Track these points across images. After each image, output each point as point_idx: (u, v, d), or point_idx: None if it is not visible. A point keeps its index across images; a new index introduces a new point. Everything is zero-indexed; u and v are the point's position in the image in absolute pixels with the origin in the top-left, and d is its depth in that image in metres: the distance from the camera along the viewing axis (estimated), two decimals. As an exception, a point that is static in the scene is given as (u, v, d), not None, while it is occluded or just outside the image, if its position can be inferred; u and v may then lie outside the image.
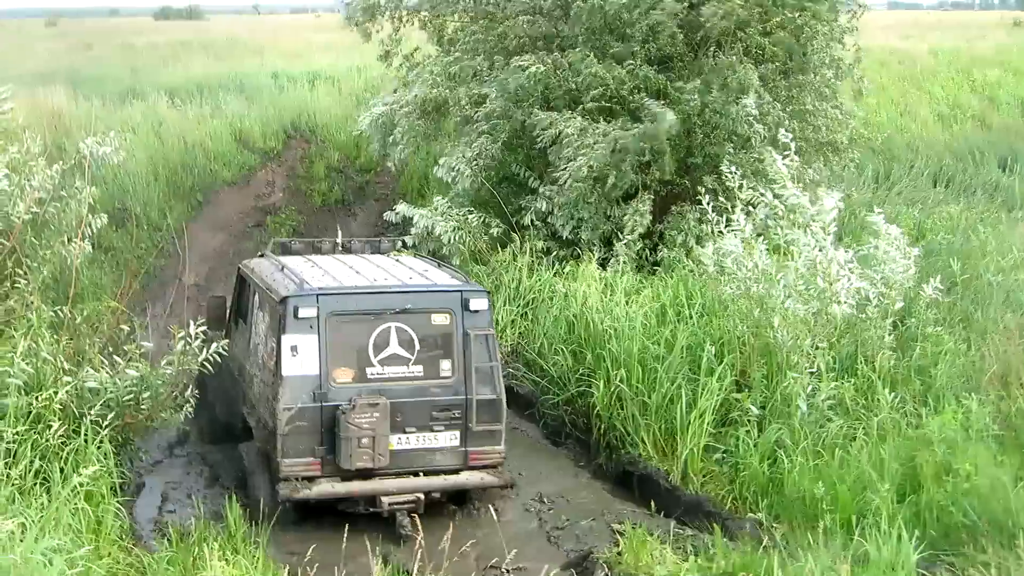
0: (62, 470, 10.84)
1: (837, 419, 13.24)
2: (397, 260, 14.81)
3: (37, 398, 11.14)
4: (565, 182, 18.61)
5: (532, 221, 19.86)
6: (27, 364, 11.36)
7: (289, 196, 27.65)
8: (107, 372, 12.21)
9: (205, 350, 12.60)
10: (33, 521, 9.67)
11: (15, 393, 11.00)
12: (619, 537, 12.38)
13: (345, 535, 10.45)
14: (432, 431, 12.68)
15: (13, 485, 10.23)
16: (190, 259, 22.25)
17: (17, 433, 10.69)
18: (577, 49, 19.77)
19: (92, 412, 11.44)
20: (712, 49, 19.66)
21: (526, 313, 17.72)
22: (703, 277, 16.38)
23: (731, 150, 17.89)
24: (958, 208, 21.16)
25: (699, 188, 16.79)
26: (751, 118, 18.39)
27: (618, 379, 14.72)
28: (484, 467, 12.95)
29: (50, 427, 10.85)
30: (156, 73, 36.69)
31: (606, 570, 11.69)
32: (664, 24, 19.23)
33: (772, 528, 11.98)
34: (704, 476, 13.63)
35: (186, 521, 12.54)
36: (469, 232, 19.98)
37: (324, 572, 10.55)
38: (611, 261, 18.39)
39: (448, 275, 13.85)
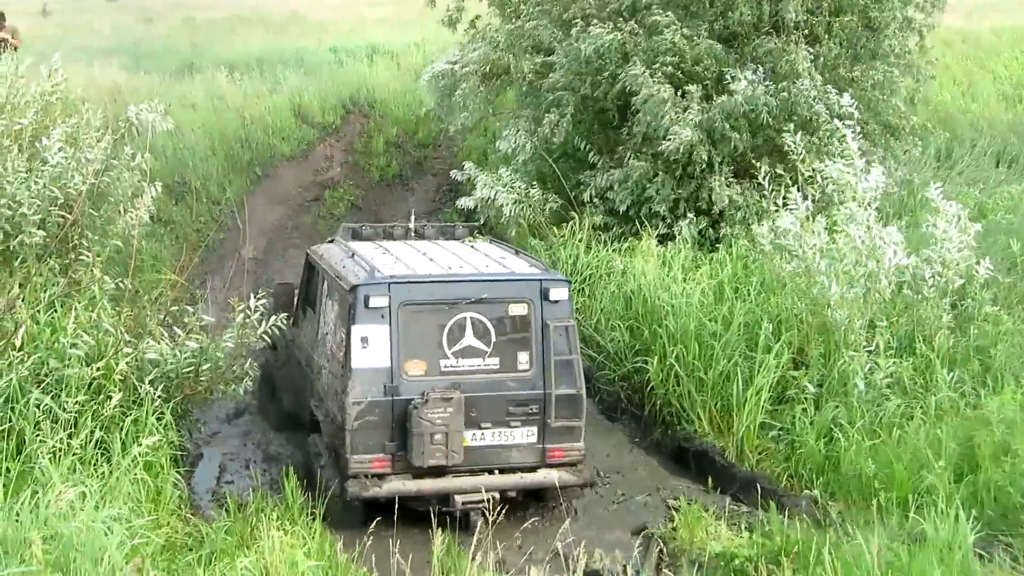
0: (122, 440, 10.91)
1: (895, 398, 13.16)
2: (472, 247, 14.40)
3: (97, 369, 11.22)
4: (664, 152, 18.28)
5: (591, 197, 19.74)
6: (89, 335, 11.44)
7: (347, 171, 27.68)
8: (167, 344, 12.26)
9: (264, 324, 12.61)
10: (94, 491, 9.76)
11: (77, 364, 11.10)
12: (674, 513, 12.41)
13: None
14: (508, 427, 12.23)
15: (74, 455, 10.32)
16: (249, 233, 22.32)
17: (78, 403, 10.77)
18: (655, 16, 19.43)
19: (152, 383, 11.51)
20: (773, 30, 19.43)
21: (583, 289, 17.64)
22: (760, 255, 16.26)
23: (790, 128, 17.71)
24: (1020, 188, 20.86)
25: (759, 165, 16.64)
26: (811, 99, 18.20)
27: (675, 355, 14.69)
28: (563, 465, 12.45)
29: (110, 398, 10.90)
30: (215, 48, 36.78)
31: (661, 545, 11.71)
32: (739, 2, 19.06)
33: (828, 506, 11.95)
34: (760, 453, 13.61)
35: (244, 492, 12.65)
36: (529, 206, 19.87)
37: (380, 545, 10.49)
38: (678, 237, 18.20)
39: (526, 263, 13.42)
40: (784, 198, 14.95)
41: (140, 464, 10.72)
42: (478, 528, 10.48)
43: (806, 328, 14.43)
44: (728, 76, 18.43)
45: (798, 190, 14.79)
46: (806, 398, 13.55)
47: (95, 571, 8.56)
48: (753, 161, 17.44)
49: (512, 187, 19.92)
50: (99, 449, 10.80)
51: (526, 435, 12.28)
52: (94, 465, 10.49)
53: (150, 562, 9.49)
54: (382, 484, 11.93)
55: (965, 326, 14.38)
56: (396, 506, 11.30)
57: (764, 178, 15.76)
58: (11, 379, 10.37)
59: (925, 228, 14.72)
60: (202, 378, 12.55)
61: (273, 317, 12.69)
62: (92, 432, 10.74)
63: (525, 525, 11.36)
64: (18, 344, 10.48)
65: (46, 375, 10.96)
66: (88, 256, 12.98)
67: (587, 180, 19.84)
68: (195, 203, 23.23)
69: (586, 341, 16.19)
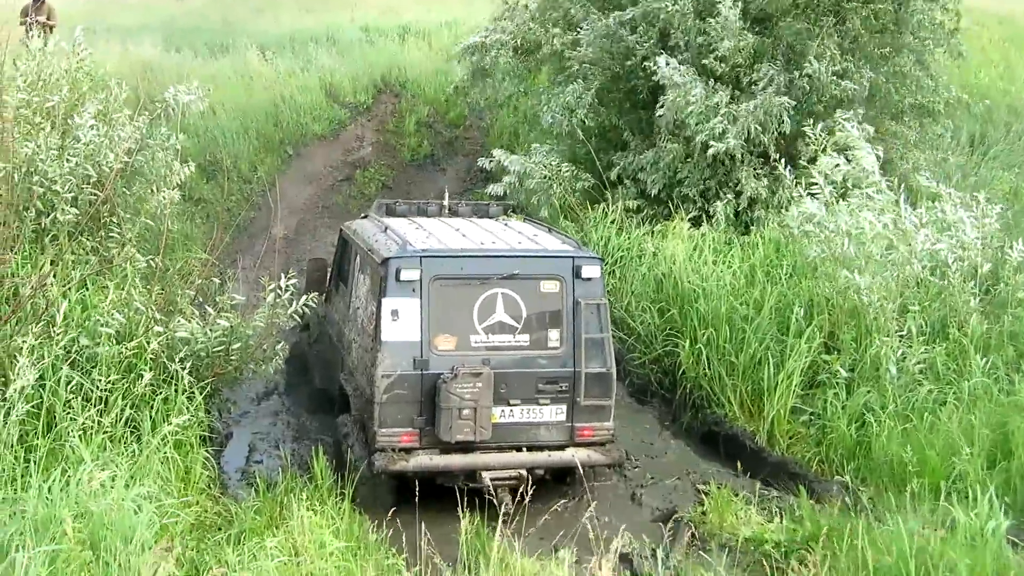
0: (152, 419, 10.93)
1: (927, 383, 13.10)
2: (506, 224, 14.39)
3: (127, 347, 11.24)
4: (667, 151, 18.25)
5: (620, 178, 19.67)
6: (120, 314, 11.46)
7: (378, 151, 27.64)
8: (197, 323, 12.28)
9: (295, 303, 12.62)
10: (124, 469, 9.80)
11: (108, 342, 11.12)
12: (704, 497, 12.40)
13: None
14: (537, 404, 12.12)
15: (105, 433, 10.34)
16: (280, 212, 22.34)
17: (109, 382, 10.79)
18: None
19: (182, 362, 11.52)
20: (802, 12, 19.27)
21: (614, 271, 17.59)
22: (789, 239, 16.19)
23: (820, 109, 17.56)
24: (1058, 172, 20.73)
25: (778, 157, 16.62)
26: (829, 84, 18.07)
27: (705, 339, 14.66)
28: (592, 444, 12.31)
29: (141, 377, 10.90)
30: (247, 25, 36.79)
31: (691, 529, 11.69)
32: None
33: (859, 491, 11.91)
34: (790, 438, 13.58)
35: (273, 472, 12.68)
36: (560, 184, 19.79)
37: (414, 530, 10.49)
38: (714, 217, 18.10)
39: (559, 240, 13.34)
40: (808, 184, 14.94)
41: (170, 443, 10.75)
42: (504, 506, 10.48)
43: (837, 312, 14.37)
44: (756, 73, 18.32)
45: (820, 173, 14.74)
46: (837, 383, 13.50)
47: (125, 549, 8.59)
48: (782, 145, 17.34)
49: (543, 163, 19.81)
50: (129, 427, 10.82)
51: (555, 413, 12.20)
52: (124, 443, 10.51)
53: (179, 541, 9.54)
54: (409, 458, 11.88)
55: (999, 312, 14.28)
56: (417, 486, 11.28)
57: (785, 168, 15.75)
58: (42, 356, 10.37)
59: (936, 214, 14.61)
60: (232, 357, 12.57)
61: (304, 296, 12.69)
62: (122, 410, 10.75)
63: (554, 508, 11.31)
64: (59, 322, 10.49)
65: (77, 353, 10.99)
66: (120, 234, 13.01)
67: (618, 160, 19.76)
68: (226, 182, 23.24)
69: (617, 324, 16.15)
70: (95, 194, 13.03)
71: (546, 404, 12.18)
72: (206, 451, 11.77)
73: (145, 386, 10.88)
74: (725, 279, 15.74)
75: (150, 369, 11.04)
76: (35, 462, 9.68)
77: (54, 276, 11.66)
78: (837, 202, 14.53)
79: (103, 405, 10.64)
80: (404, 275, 11.83)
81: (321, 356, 15.07)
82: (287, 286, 12.56)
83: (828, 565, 9.94)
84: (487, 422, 11.80)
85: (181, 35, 34.67)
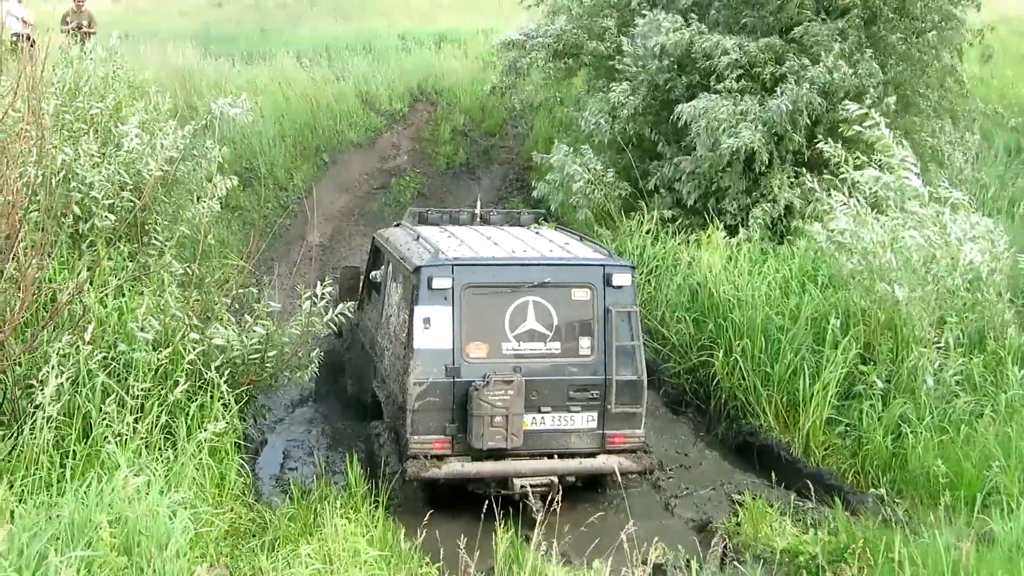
0: (187, 426, 10.97)
1: (964, 395, 13.03)
2: (538, 233, 14.39)
3: (164, 354, 11.28)
4: (703, 159, 18.29)
5: (656, 187, 19.65)
6: (156, 320, 11.51)
7: (414, 159, 27.68)
8: (233, 330, 12.32)
9: (331, 311, 12.64)
10: (159, 475, 9.83)
11: (144, 348, 11.16)
12: (738, 507, 12.35)
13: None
14: (569, 411, 12.15)
15: (140, 439, 10.38)
16: (315, 219, 22.40)
17: (145, 388, 10.83)
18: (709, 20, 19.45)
19: (217, 370, 11.55)
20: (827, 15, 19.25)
21: (649, 281, 17.58)
22: (820, 251, 16.13)
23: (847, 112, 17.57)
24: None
25: (804, 172, 16.62)
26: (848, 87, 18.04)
27: (740, 349, 14.62)
28: (623, 451, 12.31)
29: (177, 383, 10.93)
30: (284, 33, 36.91)
31: (726, 540, 11.65)
32: None
33: (894, 504, 11.86)
34: (826, 449, 13.53)
35: (307, 479, 12.70)
36: (602, 188, 19.77)
37: (447, 540, 10.53)
38: (751, 225, 18.05)
39: (591, 248, 13.32)
40: (852, 186, 14.90)
41: (205, 450, 10.77)
42: (538, 514, 10.49)
43: (873, 323, 14.30)
44: (782, 71, 18.31)
45: (849, 190, 14.71)
46: (873, 394, 13.44)
47: (160, 556, 8.61)
48: (815, 155, 17.28)
49: (589, 168, 19.80)
50: (164, 434, 10.86)
51: (586, 420, 12.21)
52: (159, 450, 10.55)
53: (226, 561, 9.58)
54: (441, 465, 11.94)
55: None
56: (447, 491, 11.32)
57: (815, 182, 15.70)
58: (78, 362, 10.43)
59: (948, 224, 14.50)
60: (267, 365, 12.58)
61: (340, 305, 12.72)
62: (158, 417, 10.79)
63: (590, 519, 11.29)
64: (94, 328, 10.54)
65: (113, 359, 11.03)
66: (159, 241, 13.08)
67: (654, 170, 19.75)
68: (262, 189, 23.31)
69: (651, 333, 16.16)
70: (133, 201, 13.09)
71: (577, 411, 12.19)
72: (241, 458, 11.80)
73: (181, 393, 10.92)
74: (760, 289, 15.69)
75: (186, 376, 11.09)
76: (71, 467, 9.74)
77: (91, 282, 11.72)
78: (871, 212, 14.44)
79: (139, 411, 10.68)
80: (436, 283, 11.90)
81: (354, 363, 15.11)
82: (323, 294, 12.57)
83: (864, 577, 9.92)
84: (518, 429, 11.84)
85: (219, 42, 34.80)
